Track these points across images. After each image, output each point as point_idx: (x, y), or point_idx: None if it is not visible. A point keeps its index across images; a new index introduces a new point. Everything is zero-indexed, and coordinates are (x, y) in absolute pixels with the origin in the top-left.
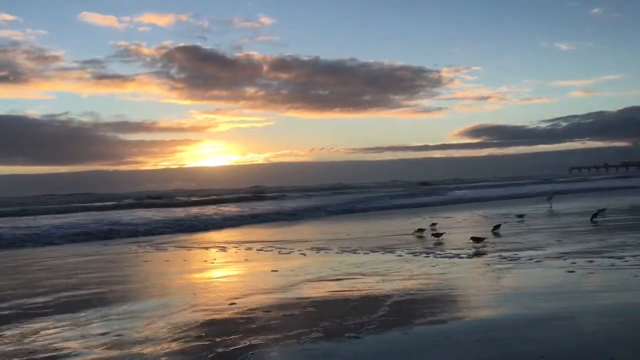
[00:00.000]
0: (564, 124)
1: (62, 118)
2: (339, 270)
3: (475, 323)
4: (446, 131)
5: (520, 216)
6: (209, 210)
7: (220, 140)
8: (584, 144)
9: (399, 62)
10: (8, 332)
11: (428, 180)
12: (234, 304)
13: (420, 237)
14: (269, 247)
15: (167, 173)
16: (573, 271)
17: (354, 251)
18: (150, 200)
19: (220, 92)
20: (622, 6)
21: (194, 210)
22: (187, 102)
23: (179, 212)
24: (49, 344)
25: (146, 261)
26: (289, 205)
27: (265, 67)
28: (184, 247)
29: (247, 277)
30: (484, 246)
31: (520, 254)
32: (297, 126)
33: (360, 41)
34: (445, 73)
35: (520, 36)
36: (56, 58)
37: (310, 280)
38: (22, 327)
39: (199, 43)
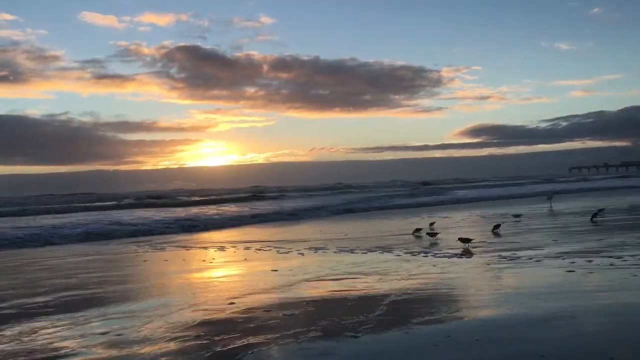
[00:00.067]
0: (564, 123)
1: (62, 118)
2: (337, 270)
3: (475, 323)
4: (446, 131)
5: (517, 216)
6: (209, 210)
7: (220, 140)
8: (584, 143)
9: (399, 62)
10: (8, 332)
11: (428, 180)
12: (233, 303)
13: (418, 236)
14: (268, 246)
15: (167, 173)
16: (572, 271)
17: (352, 251)
18: (150, 200)
19: (220, 91)
20: (622, 6)
21: (194, 210)
22: (187, 101)
23: (179, 212)
24: (49, 343)
25: (146, 261)
26: (288, 205)
27: (265, 67)
28: (183, 247)
29: (246, 277)
30: (472, 247)
31: (520, 253)
32: (297, 126)
33: (360, 41)
34: (446, 73)
35: (520, 36)
36: (56, 58)
37: (308, 280)
38: (22, 327)
39: (199, 43)
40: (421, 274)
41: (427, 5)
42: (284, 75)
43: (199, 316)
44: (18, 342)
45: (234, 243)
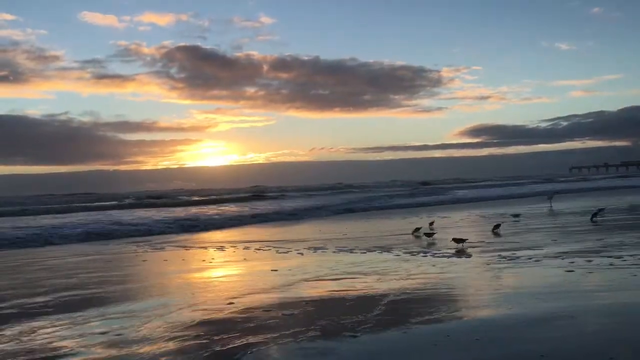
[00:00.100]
0: (564, 123)
1: (62, 118)
2: (336, 270)
3: (475, 323)
4: (446, 131)
5: (516, 215)
6: (209, 210)
7: (220, 139)
8: (584, 143)
9: (399, 62)
10: (8, 332)
11: (428, 179)
12: (232, 303)
13: (418, 236)
14: (267, 246)
15: (167, 173)
16: (572, 271)
17: (351, 250)
18: (150, 200)
19: (220, 91)
20: (622, 6)
21: (194, 210)
22: (187, 101)
23: (179, 212)
24: (49, 342)
25: (145, 261)
26: (289, 205)
27: (265, 67)
28: (183, 247)
29: (246, 277)
30: (466, 247)
31: (519, 253)
32: (297, 126)
33: (360, 41)
34: (446, 73)
35: (520, 36)
36: (56, 58)
37: (307, 280)
38: (22, 326)
39: (199, 43)
40: (420, 274)
41: (427, 5)
42: (284, 75)
43: (198, 316)
44: (18, 341)
45: (233, 243)
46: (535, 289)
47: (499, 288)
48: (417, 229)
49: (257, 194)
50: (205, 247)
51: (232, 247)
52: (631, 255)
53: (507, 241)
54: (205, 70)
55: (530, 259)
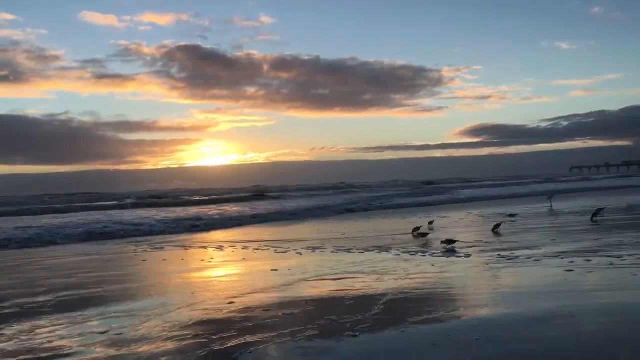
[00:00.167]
0: (565, 123)
1: (62, 117)
2: (336, 269)
3: (474, 322)
4: (446, 130)
5: (512, 215)
6: (209, 209)
7: (220, 139)
8: (585, 143)
9: (400, 61)
10: (8, 331)
11: (429, 179)
12: (232, 302)
13: (416, 236)
14: (266, 246)
15: (167, 172)
16: (571, 270)
17: (349, 250)
18: (150, 200)
19: (220, 91)
20: (622, 5)
21: (194, 209)
22: (188, 101)
23: (179, 212)
24: (48, 342)
25: (145, 260)
26: (289, 204)
27: (265, 66)
28: (183, 247)
29: (245, 276)
30: (454, 248)
31: (518, 252)
32: (297, 125)
33: (360, 40)
34: (446, 72)
35: (521, 35)
36: (56, 57)
37: (306, 279)
38: (22, 326)
39: (199, 42)
40: (419, 273)
41: (427, 4)
42: (284, 75)
43: (198, 315)
44: (17, 340)
45: (232, 243)
46: (534, 288)
47: (497, 287)
48: (417, 229)
49: (258, 194)
50: (204, 247)
51: (230, 246)
52: (630, 255)
53: (507, 240)
54: (206, 69)
55: (529, 258)
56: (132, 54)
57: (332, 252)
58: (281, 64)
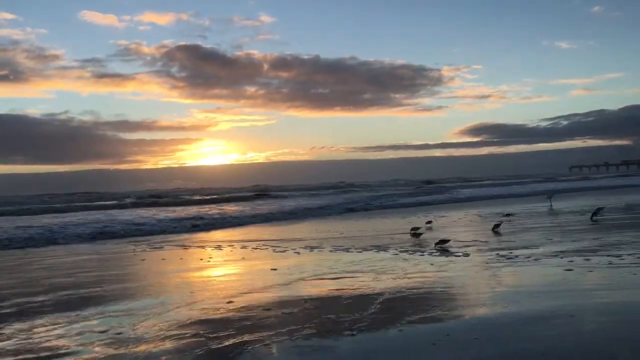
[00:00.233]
0: (565, 122)
1: (62, 117)
2: (335, 269)
3: (474, 321)
4: (447, 130)
5: (509, 215)
6: (209, 209)
7: (220, 139)
8: (585, 142)
9: (400, 61)
10: (7, 331)
11: (429, 178)
12: (231, 302)
13: (412, 235)
14: (264, 245)
15: (167, 172)
16: (571, 269)
17: (347, 250)
18: (150, 200)
19: (220, 90)
20: (622, 5)
21: (195, 209)
22: (188, 101)
23: (180, 212)
24: (48, 341)
25: (145, 260)
26: (289, 204)
27: (265, 66)
28: (183, 246)
29: (244, 276)
30: (449, 247)
31: (518, 252)
32: (297, 125)
33: (360, 40)
34: (446, 72)
35: (521, 35)
36: (56, 57)
37: (305, 279)
38: (21, 325)
39: (199, 42)
40: (417, 272)
41: (427, 4)
42: (284, 74)
43: (197, 314)
44: (17, 340)
45: (232, 242)
46: (533, 287)
47: (497, 287)
48: (415, 229)
49: (258, 193)
50: (204, 247)
51: (229, 246)
52: (630, 254)
53: (507, 240)
54: (206, 69)
55: (528, 257)
56: (132, 53)
57: (331, 251)
58: (281, 63)
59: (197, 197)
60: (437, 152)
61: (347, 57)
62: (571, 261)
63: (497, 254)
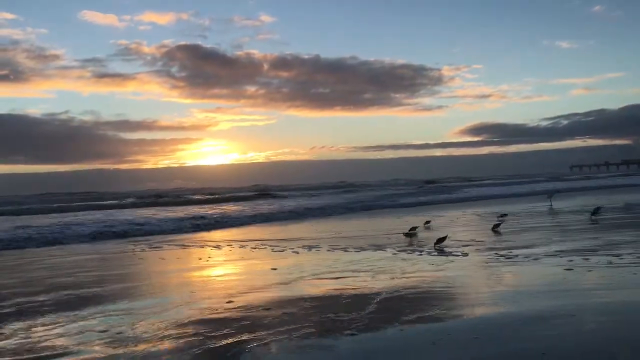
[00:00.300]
0: (565, 122)
1: (63, 117)
2: (334, 268)
3: (474, 321)
4: (447, 129)
5: (504, 215)
6: (210, 209)
7: (221, 138)
8: (585, 142)
9: (400, 60)
10: (7, 330)
11: (429, 178)
12: (231, 301)
13: (406, 235)
14: (263, 245)
15: (167, 172)
16: (571, 269)
17: (345, 249)
18: (150, 199)
19: (220, 90)
20: (623, 4)
21: (195, 209)
22: (188, 100)
23: (180, 211)
24: (48, 340)
25: (144, 260)
26: (289, 204)
27: (265, 66)
28: (183, 246)
29: (243, 275)
30: (446, 246)
31: (518, 252)
32: (297, 124)
33: (360, 39)
34: (446, 71)
35: (521, 34)
36: (56, 57)
37: (304, 278)
38: (22, 325)
39: (199, 42)
40: (417, 272)
41: (427, 4)
42: (285, 74)
43: (196, 314)
44: (17, 339)
45: (232, 242)
46: (533, 287)
47: (497, 286)
48: (414, 229)
49: (258, 193)
50: (204, 247)
51: (228, 246)
52: (630, 254)
53: (506, 240)
54: (206, 69)
55: (528, 257)
56: (133, 53)
57: (330, 251)
58: (281, 63)
59: (198, 197)
60: (438, 152)
61: (347, 57)
62: (571, 261)
63: (497, 253)
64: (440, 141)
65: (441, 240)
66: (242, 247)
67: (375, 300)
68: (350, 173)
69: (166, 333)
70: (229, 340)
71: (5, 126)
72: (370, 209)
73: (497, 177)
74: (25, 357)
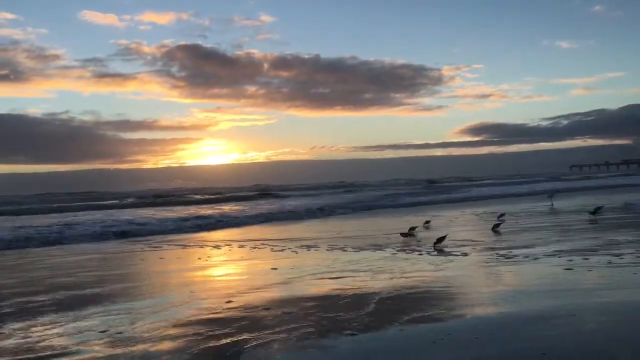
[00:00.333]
0: (565, 121)
1: (63, 117)
2: (334, 268)
3: (474, 321)
4: (447, 129)
5: (502, 215)
6: (210, 209)
7: (221, 138)
8: (585, 141)
9: (400, 60)
10: (7, 330)
11: (430, 178)
12: (231, 301)
13: (413, 235)
14: (263, 245)
15: (168, 171)
16: (571, 269)
17: (343, 249)
18: (150, 199)
19: (221, 90)
20: (623, 4)
21: (195, 209)
22: (188, 100)
23: (180, 211)
24: (48, 340)
25: (144, 260)
26: (289, 203)
27: (265, 66)
28: (183, 246)
29: (243, 275)
30: (446, 245)
31: (518, 251)
32: (298, 124)
33: (360, 39)
34: (446, 71)
35: (521, 34)
36: (57, 57)
37: (304, 278)
38: (22, 325)
39: (199, 41)
40: (416, 272)
41: (427, 4)
42: (285, 74)
43: (196, 314)
44: (17, 339)
45: (232, 242)
46: (533, 287)
47: (497, 286)
48: (413, 228)
49: (258, 193)
50: (204, 247)
51: (228, 246)
52: (630, 253)
53: (506, 239)
54: (206, 69)
55: (527, 257)
56: (133, 53)
57: (330, 251)
58: (281, 63)
59: (198, 197)
60: (438, 152)
61: (347, 57)
62: (571, 260)
63: (497, 253)
64: (440, 141)
65: (441, 239)
66: (242, 246)
67: (375, 300)
68: (351, 173)
69: (166, 333)
70: (229, 340)
71: (6, 126)
72: (371, 208)
73: (497, 177)
74: (25, 357)
